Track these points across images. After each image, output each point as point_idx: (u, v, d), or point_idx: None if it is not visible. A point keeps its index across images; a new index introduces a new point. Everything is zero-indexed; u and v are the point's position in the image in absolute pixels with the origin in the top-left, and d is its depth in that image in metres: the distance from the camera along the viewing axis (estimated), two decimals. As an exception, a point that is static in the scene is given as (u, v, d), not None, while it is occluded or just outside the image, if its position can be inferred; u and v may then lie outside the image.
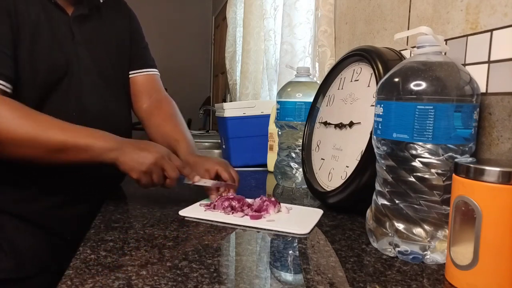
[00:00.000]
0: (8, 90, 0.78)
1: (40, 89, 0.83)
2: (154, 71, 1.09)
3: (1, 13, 0.79)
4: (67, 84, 0.87)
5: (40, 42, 0.83)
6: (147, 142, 0.79)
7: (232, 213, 0.74)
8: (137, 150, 0.74)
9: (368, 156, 0.70)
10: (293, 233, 0.66)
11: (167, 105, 1.06)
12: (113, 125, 0.91)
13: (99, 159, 0.74)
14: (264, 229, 0.68)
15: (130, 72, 1.04)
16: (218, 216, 0.73)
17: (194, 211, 0.75)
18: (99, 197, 0.84)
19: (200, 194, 0.84)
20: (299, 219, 0.74)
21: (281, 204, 0.79)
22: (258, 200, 0.77)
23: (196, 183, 0.80)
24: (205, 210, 0.76)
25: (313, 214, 0.77)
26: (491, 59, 0.66)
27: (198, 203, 0.81)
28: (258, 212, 0.73)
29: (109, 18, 1.00)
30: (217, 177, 0.85)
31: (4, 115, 0.72)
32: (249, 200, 0.78)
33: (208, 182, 0.82)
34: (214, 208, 0.76)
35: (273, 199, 0.78)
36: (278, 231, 0.67)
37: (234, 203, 0.75)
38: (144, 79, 1.06)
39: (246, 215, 0.73)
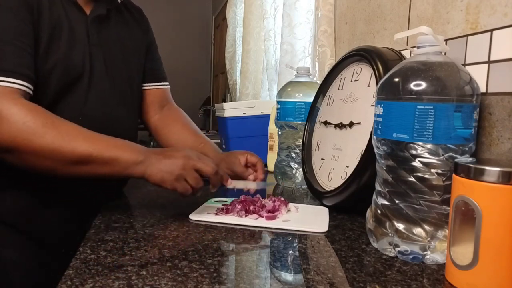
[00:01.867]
0: (30, 92, 0.74)
1: (54, 91, 0.80)
2: (167, 85, 1.11)
3: (25, 10, 0.75)
4: (80, 87, 0.84)
5: (57, 42, 0.80)
6: (172, 148, 0.75)
7: (246, 215, 0.73)
8: (163, 158, 0.70)
9: (368, 156, 0.70)
10: (313, 232, 0.67)
11: (182, 115, 1.10)
12: (116, 131, 0.88)
13: (125, 172, 0.70)
14: (284, 229, 0.68)
15: (144, 84, 1.05)
16: (232, 219, 0.71)
17: (205, 216, 0.73)
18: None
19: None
20: (313, 218, 0.74)
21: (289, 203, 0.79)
22: (268, 200, 0.77)
23: (229, 186, 0.78)
24: (216, 214, 0.74)
25: (322, 212, 0.78)
26: (491, 59, 0.66)
27: (203, 206, 0.79)
28: (272, 213, 0.73)
29: (129, 23, 0.98)
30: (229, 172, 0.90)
31: (27, 123, 0.67)
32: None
33: (238, 184, 0.82)
34: (227, 213, 0.74)
35: (282, 198, 0.78)
36: (298, 231, 0.67)
37: (247, 206, 0.74)
38: (157, 92, 1.07)
39: (261, 216, 0.72)
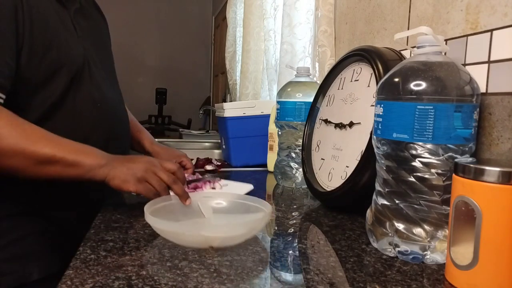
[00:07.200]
0: (1, 100, 0.74)
1: (64, 85, 0.82)
2: None
3: (7, 12, 0.74)
4: (85, 77, 0.87)
5: (54, 37, 0.82)
6: (135, 156, 0.80)
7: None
8: (126, 162, 0.73)
9: (368, 156, 0.70)
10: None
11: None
12: (123, 115, 0.99)
13: (87, 176, 0.71)
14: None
15: None
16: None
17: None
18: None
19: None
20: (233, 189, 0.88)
21: (219, 182, 0.93)
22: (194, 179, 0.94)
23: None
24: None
25: (243, 187, 0.91)
26: (491, 59, 0.66)
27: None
28: (194, 189, 0.87)
29: (94, 13, 1.03)
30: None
31: None
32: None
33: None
34: None
35: (207, 177, 0.93)
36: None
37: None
38: None
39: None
